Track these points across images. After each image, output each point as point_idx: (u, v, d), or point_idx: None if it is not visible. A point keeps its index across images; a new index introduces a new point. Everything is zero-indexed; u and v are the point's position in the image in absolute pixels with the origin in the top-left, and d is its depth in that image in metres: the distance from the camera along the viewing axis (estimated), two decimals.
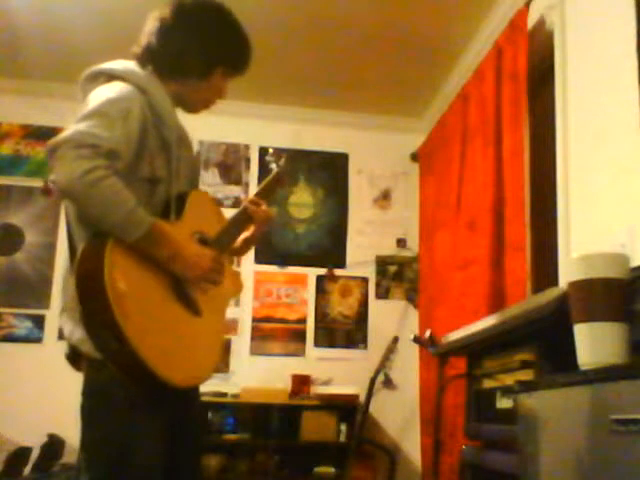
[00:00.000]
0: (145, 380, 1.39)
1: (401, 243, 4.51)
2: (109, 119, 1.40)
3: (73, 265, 1.44)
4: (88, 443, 1.45)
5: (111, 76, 1.56)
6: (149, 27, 1.65)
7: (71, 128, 1.38)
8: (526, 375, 1.85)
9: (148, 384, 1.40)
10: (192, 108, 1.73)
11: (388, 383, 4.11)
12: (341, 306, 4.38)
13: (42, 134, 4.32)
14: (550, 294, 1.76)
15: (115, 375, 1.38)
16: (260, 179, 4.33)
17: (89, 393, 1.47)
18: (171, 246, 1.46)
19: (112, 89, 1.49)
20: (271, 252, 4.40)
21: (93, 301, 1.35)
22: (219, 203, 4.28)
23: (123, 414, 1.43)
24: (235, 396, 3.95)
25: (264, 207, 1.83)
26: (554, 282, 2.57)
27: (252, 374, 4.14)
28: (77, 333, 1.44)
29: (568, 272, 1.49)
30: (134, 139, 1.46)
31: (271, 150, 2.03)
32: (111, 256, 1.36)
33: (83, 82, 1.61)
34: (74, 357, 1.50)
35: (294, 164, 4.49)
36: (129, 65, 1.61)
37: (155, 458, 1.46)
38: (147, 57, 1.63)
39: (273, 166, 1.94)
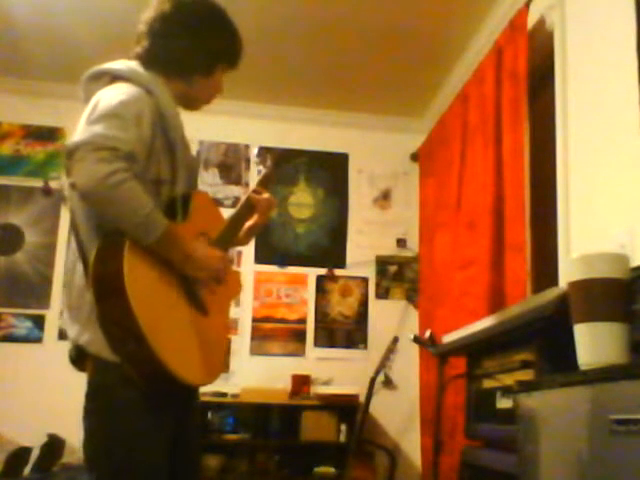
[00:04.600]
0: (160, 380, 1.39)
1: (401, 243, 4.51)
2: (124, 121, 1.41)
3: (86, 266, 1.44)
4: (94, 444, 1.45)
5: (115, 77, 1.56)
6: (150, 26, 1.64)
7: (87, 130, 1.38)
8: (526, 375, 1.86)
9: (162, 384, 1.41)
10: (194, 106, 1.75)
11: (388, 383, 4.11)
12: (341, 306, 4.38)
13: (42, 134, 4.32)
14: (550, 294, 1.76)
15: (123, 376, 1.39)
16: None
17: (95, 394, 1.47)
18: (183, 248, 1.48)
19: (122, 90, 1.49)
20: (271, 252, 4.40)
21: (111, 301, 1.36)
22: (219, 203, 4.28)
23: (130, 415, 1.43)
24: (235, 396, 3.95)
25: (266, 195, 1.86)
26: (554, 282, 2.57)
27: (252, 374, 4.14)
28: (85, 334, 1.44)
29: (568, 272, 1.49)
30: (146, 141, 1.47)
31: (256, 151, 2.07)
32: (129, 257, 1.37)
33: (86, 82, 1.60)
34: (78, 358, 1.49)
35: (295, 164, 4.49)
36: (132, 65, 1.61)
37: (161, 458, 1.47)
38: (152, 57, 1.63)
39: (261, 168, 1.99)
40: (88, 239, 1.47)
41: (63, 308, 1.53)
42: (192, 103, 1.73)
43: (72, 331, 1.47)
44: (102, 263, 1.39)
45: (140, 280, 1.39)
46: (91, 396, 1.47)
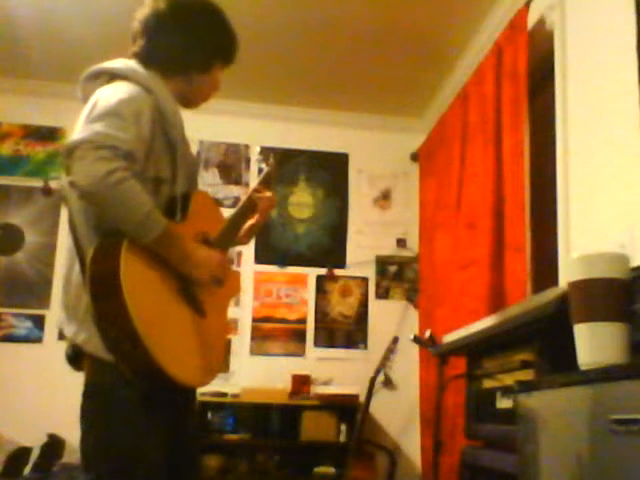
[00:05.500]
0: (156, 380, 1.39)
1: (401, 243, 4.51)
2: (124, 120, 1.41)
3: (83, 265, 1.44)
4: (92, 444, 1.45)
5: (114, 75, 1.56)
6: (145, 24, 1.64)
7: (87, 128, 1.38)
8: (526, 375, 1.86)
9: (158, 384, 1.41)
10: (193, 103, 1.75)
11: (388, 383, 4.11)
12: (341, 306, 4.38)
13: (42, 134, 4.32)
14: (550, 294, 1.76)
15: (120, 375, 1.38)
16: None
17: (92, 394, 1.46)
18: (182, 248, 1.48)
19: (121, 89, 1.49)
20: (271, 252, 4.40)
21: (107, 301, 1.36)
22: (219, 203, 4.28)
23: (128, 415, 1.43)
24: (235, 396, 3.95)
25: (267, 194, 1.87)
26: (554, 282, 2.57)
27: (252, 374, 4.14)
28: (82, 333, 1.44)
29: (568, 272, 1.49)
30: (146, 140, 1.46)
31: (258, 149, 2.08)
32: (127, 257, 1.37)
33: (84, 81, 1.60)
34: (75, 357, 1.49)
35: (295, 164, 4.49)
36: (131, 64, 1.60)
37: (160, 458, 1.46)
38: (149, 55, 1.63)
39: (263, 166, 1.99)
40: (86, 239, 1.47)
41: (60, 307, 1.52)
42: (190, 101, 1.73)
43: (69, 330, 1.47)
44: (99, 262, 1.38)
45: (137, 280, 1.38)
46: (88, 396, 1.46)
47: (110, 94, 1.46)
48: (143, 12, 1.65)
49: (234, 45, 1.76)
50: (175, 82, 1.65)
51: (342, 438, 3.88)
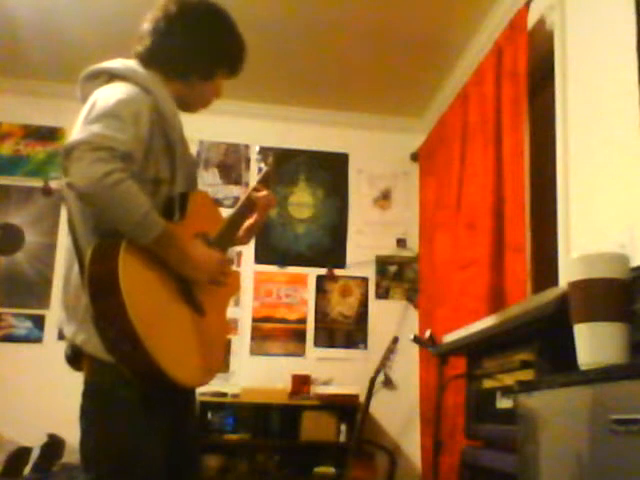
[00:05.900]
0: (156, 380, 1.39)
1: (401, 243, 4.51)
2: (122, 121, 1.40)
3: (82, 266, 1.44)
4: (92, 444, 1.45)
5: (113, 76, 1.56)
6: (154, 25, 1.64)
7: (85, 129, 1.38)
8: (526, 375, 1.86)
9: (158, 384, 1.41)
10: (192, 108, 1.74)
11: (388, 383, 4.11)
12: (341, 306, 4.38)
13: (42, 134, 4.32)
14: (550, 294, 1.76)
15: (120, 375, 1.39)
16: None
17: (92, 394, 1.46)
18: (180, 248, 1.48)
19: (119, 90, 1.49)
20: (271, 252, 4.40)
21: (106, 302, 1.36)
22: (219, 203, 4.28)
23: (128, 415, 1.43)
24: (235, 396, 3.95)
25: (265, 193, 1.86)
26: (554, 282, 2.57)
27: (252, 374, 4.14)
28: (81, 333, 1.44)
29: (568, 272, 1.49)
30: (144, 141, 1.46)
31: (257, 148, 2.08)
32: (125, 257, 1.37)
33: (83, 81, 1.60)
34: (75, 357, 1.49)
35: (295, 164, 4.50)
36: (130, 64, 1.60)
37: (159, 458, 1.46)
38: (152, 56, 1.62)
39: (262, 166, 1.99)
40: (85, 239, 1.47)
41: (61, 307, 1.52)
42: (189, 105, 1.72)
43: (68, 330, 1.47)
44: (97, 263, 1.38)
45: (136, 280, 1.39)
46: (87, 396, 1.47)
47: (108, 95, 1.46)
48: (154, 13, 1.65)
49: (241, 57, 1.74)
50: (175, 85, 1.64)
51: (342, 438, 3.88)
